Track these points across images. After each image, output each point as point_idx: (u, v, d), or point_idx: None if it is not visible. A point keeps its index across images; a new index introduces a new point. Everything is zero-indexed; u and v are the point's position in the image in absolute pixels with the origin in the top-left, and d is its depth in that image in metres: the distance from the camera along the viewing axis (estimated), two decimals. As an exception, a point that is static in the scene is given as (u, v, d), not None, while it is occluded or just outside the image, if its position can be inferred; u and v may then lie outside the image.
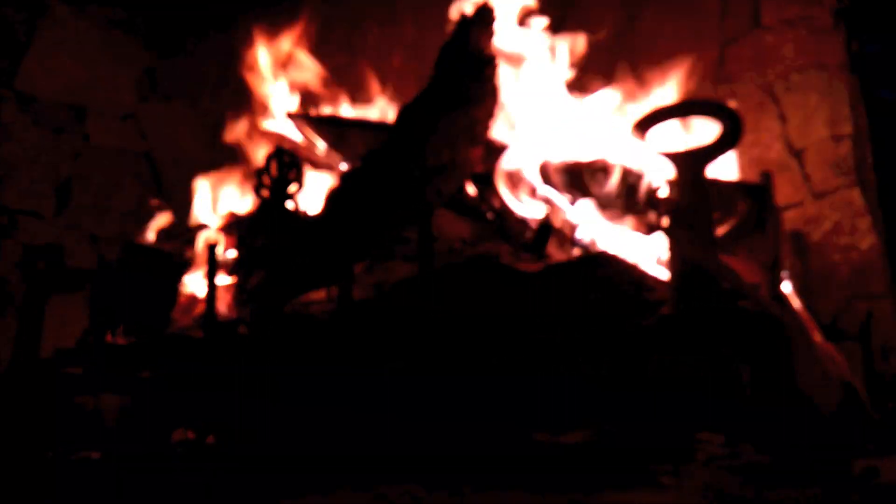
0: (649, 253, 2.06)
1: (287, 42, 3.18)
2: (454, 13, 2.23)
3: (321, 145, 2.64)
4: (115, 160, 3.63)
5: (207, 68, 4.07)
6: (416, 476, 1.63)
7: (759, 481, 1.40)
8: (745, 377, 1.98)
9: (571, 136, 2.33)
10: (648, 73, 2.62)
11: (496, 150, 2.29)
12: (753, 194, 1.91)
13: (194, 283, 2.65)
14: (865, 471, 1.44)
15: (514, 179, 2.24)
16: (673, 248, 1.55)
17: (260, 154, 2.90)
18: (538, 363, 2.36)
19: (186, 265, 2.65)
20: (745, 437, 1.95)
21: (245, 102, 3.32)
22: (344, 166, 2.61)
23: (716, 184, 1.84)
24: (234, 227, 2.62)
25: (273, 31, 3.19)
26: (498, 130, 2.34)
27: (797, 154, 2.60)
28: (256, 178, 2.22)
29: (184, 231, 2.86)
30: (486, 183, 2.43)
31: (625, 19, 2.98)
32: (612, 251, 1.88)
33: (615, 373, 1.62)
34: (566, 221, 2.27)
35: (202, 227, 2.82)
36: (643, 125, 1.75)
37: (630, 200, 1.96)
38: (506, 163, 2.25)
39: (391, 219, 2.07)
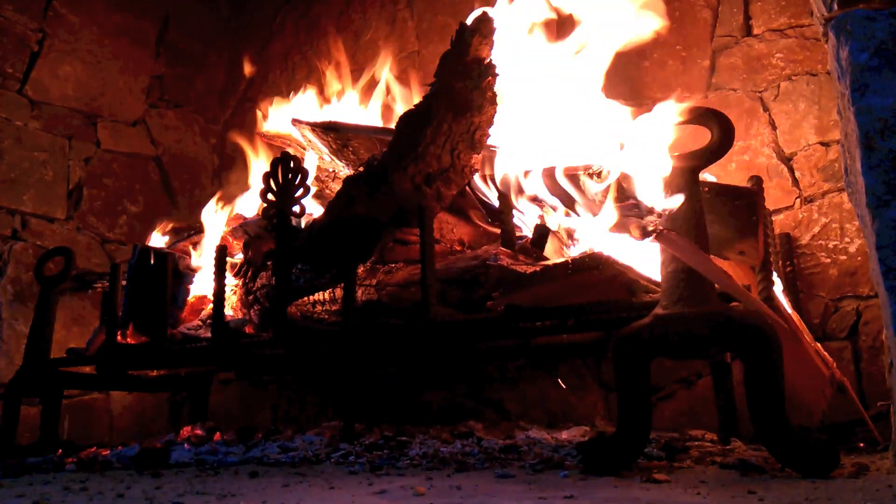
0: (643, 256, 2.10)
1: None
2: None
3: (324, 151, 2.66)
4: (125, 165, 3.69)
5: (215, 76, 4.14)
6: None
7: (750, 477, 1.42)
8: (734, 377, 2.03)
9: (568, 141, 2.36)
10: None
11: (496, 155, 2.32)
12: (744, 198, 1.93)
13: (202, 285, 2.70)
14: (855, 468, 1.48)
15: (513, 184, 2.27)
16: (665, 251, 1.56)
17: (266, 159, 2.95)
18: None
19: (195, 267, 2.69)
20: (736, 434, 2.00)
21: (251, 108, 3.37)
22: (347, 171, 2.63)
23: (708, 188, 1.87)
24: (242, 230, 2.66)
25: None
26: (498, 136, 2.37)
27: (787, 159, 2.63)
28: (263, 183, 2.25)
29: (192, 234, 2.90)
30: (485, 187, 2.48)
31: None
32: (606, 254, 1.92)
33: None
34: (563, 225, 2.30)
35: (210, 229, 2.86)
36: (634, 131, 1.77)
37: (624, 205, 1.99)
38: (505, 168, 2.28)
39: (388, 224, 2.10)
